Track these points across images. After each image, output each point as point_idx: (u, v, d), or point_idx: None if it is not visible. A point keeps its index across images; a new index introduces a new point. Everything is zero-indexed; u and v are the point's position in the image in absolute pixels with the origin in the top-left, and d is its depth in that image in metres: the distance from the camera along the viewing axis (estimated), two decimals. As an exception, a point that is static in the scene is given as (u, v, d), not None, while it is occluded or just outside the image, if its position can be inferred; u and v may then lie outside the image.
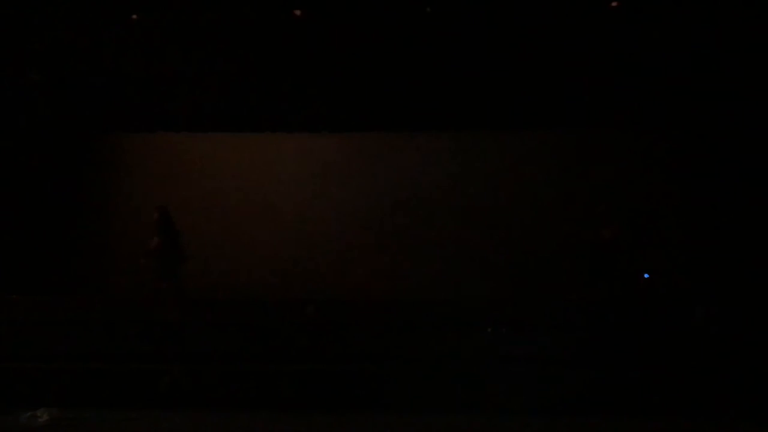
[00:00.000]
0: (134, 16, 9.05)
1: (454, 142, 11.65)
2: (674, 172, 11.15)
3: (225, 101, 10.99)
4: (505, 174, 11.53)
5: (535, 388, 6.96)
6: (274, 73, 10.20)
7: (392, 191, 11.61)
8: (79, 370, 7.35)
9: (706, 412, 6.70)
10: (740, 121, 10.66)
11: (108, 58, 9.98)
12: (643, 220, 10.44)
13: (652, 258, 10.12)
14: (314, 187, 11.74)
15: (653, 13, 9.41)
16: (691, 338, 7.43)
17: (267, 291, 10.87)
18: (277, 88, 10.62)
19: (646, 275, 10.17)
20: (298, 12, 8.82)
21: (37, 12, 8.77)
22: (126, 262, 10.84)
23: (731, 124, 10.74)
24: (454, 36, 9.56)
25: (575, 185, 11.33)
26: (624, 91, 10.63)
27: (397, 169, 11.69)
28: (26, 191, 10.89)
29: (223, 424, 6.56)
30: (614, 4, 9.18)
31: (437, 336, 7.64)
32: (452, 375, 7.17)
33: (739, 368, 7.09)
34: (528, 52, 9.87)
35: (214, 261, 11.27)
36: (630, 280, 9.67)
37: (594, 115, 11.04)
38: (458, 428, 6.47)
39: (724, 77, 10.20)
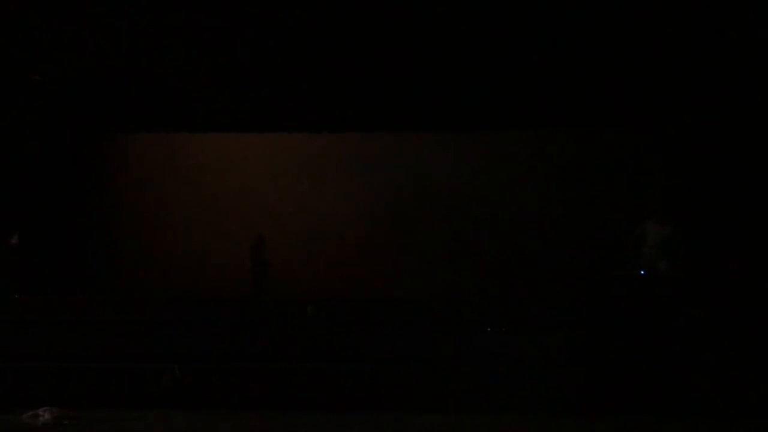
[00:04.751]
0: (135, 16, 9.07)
1: (454, 142, 11.69)
2: (670, 172, 11.18)
3: (225, 101, 10.99)
4: (504, 174, 11.56)
5: (535, 388, 6.97)
6: (274, 73, 10.20)
7: (392, 191, 11.64)
8: (79, 369, 7.35)
9: (705, 412, 6.71)
10: (739, 121, 10.67)
11: (108, 58, 9.99)
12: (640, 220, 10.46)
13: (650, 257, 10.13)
14: (313, 186, 11.77)
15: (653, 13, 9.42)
16: (690, 338, 7.44)
17: (267, 289, 10.90)
18: (277, 88, 10.62)
19: (641, 272, 10.17)
20: None
21: (38, 12, 8.78)
22: (128, 261, 10.87)
23: (730, 124, 10.76)
24: (454, 36, 9.57)
25: (575, 185, 11.36)
26: (623, 90, 10.64)
27: (397, 169, 11.72)
28: (27, 191, 10.89)
29: (224, 423, 6.57)
30: None
31: (437, 336, 7.65)
32: (452, 375, 7.17)
33: (739, 368, 7.10)
34: (527, 52, 9.88)
35: (212, 259, 11.30)
36: (628, 279, 9.68)
37: (592, 116, 11.06)
38: (458, 428, 6.48)
39: (723, 77, 10.21)
